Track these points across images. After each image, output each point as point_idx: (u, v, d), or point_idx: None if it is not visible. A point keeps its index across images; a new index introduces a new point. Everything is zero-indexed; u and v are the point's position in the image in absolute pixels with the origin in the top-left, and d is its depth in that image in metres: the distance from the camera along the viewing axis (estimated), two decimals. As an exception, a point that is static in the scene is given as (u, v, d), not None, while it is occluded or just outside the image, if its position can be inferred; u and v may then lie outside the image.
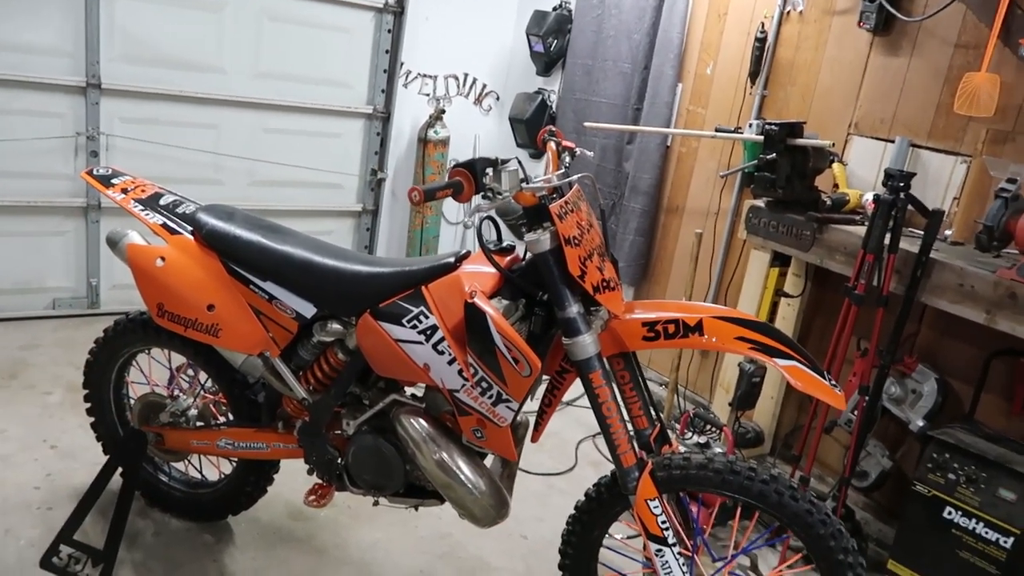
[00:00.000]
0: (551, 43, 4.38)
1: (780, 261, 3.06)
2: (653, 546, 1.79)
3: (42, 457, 2.74)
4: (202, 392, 2.45)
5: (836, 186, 2.98)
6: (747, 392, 3.13)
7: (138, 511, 2.49)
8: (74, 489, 2.57)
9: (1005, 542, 2.25)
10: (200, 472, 2.59)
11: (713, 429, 2.97)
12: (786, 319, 3.10)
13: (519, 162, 1.67)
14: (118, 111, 3.79)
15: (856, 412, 2.66)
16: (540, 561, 2.57)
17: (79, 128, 3.72)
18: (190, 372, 2.48)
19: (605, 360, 1.78)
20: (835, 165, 2.96)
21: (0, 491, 2.52)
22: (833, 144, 2.86)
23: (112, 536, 2.23)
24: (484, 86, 4.87)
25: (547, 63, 4.50)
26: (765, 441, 3.28)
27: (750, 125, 3.20)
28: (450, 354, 1.81)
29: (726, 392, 3.24)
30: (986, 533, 2.29)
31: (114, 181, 2.28)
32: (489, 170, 1.62)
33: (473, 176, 1.60)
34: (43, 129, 3.64)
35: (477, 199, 1.66)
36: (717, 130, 3.39)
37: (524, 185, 1.67)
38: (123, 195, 2.22)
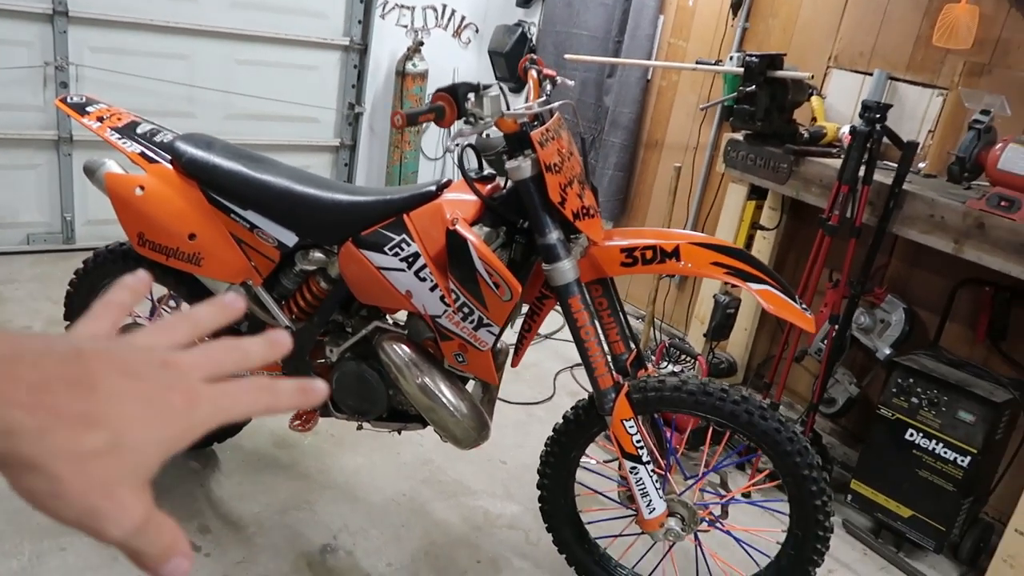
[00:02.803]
0: (531, -27, 4.29)
1: (757, 194, 3.10)
2: (628, 464, 1.87)
3: (25, 388, 2.75)
4: (185, 322, 2.47)
5: (814, 119, 3.00)
6: (721, 323, 3.20)
7: (124, 439, 2.53)
8: (59, 419, 2.60)
9: (962, 461, 2.37)
10: (185, 401, 2.62)
11: (688, 359, 3.05)
12: (761, 252, 3.15)
13: (501, 88, 1.68)
14: (87, 40, 3.69)
15: (826, 341, 2.74)
16: (519, 484, 2.66)
17: (47, 58, 3.62)
18: (172, 303, 2.49)
19: (584, 286, 1.82)
20: (814, 98, 2.98)
21: (-15, 421, 2.54)
22: (812, 76, 2.87)
23: (100, 462, 2.27)
24: (463, 18, 4.78)
25: (527, -6, 4.42)
26: (738, 371, 3.37)
27: (731, 58, 3.20)
28: (432, 281, 1.84)
29: (701, 324, 3.32)
30: (945, 453, 2.40)
31: (89, 109, 2.24)
32: (471, 95, 1.62)
33: (455, 101, 1.60)
34: (10, 58, 3.54)
35: (458, 125, 1.67)
36: (698, 63, 3.38)
37: (505, 112, 1.67)
38: (99, 123, 2.19)
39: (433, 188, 1.90)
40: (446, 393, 1.94)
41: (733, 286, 2.15)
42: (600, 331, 1.91)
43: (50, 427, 0.41)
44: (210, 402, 0.47)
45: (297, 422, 2.17)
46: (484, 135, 1.81)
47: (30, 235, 3.88)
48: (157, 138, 2.17)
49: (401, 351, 1.96)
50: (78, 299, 2.46)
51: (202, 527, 2.24)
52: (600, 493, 2.18)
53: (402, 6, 4.54)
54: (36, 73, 3.62)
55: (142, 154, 2.13)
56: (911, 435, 2.47)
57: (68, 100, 2.27)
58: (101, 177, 2.12)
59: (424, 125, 4.68)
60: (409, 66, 4.45)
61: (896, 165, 2.48)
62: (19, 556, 2.03)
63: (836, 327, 2.68)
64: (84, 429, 0.42)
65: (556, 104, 1.79)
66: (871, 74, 2.90)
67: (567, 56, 3.73)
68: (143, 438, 0.44)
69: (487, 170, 1.93)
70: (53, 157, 3.81)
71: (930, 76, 2.77)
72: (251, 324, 2.27)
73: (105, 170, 2.13)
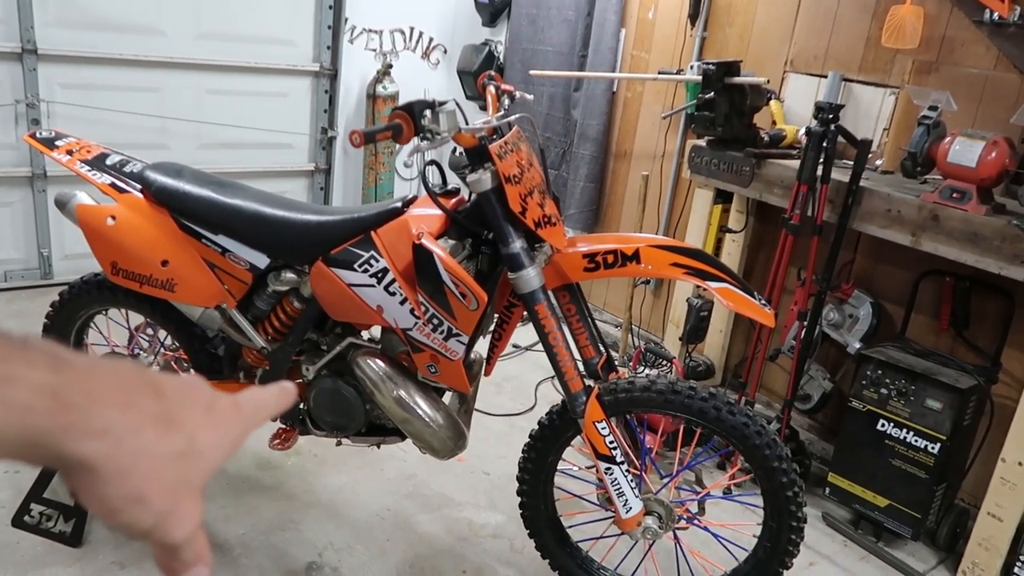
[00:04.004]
0: (495, -7, 4.38)
1: (723, 198, 3.17)
2: (602, 465, 1.90)
3: (6, 424, 2.76)
4: (162, 349, 2.49)
5: (774, 123, 3.08)
6: (695, 326, 3.26)
7: (107, 469, 2.54)
8: (41, 452, 2.61)
9: (933, 448, 2.42)
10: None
11: (664, 362, 3.09)
12: (731, 254, 3.21)
13: (457, 104, 1.73)
14: (57, 77, 3.73)
15: (797, 339, 2.80)
16: (502, 494, 2.68)
17: (18, 96, 3.65)
18: (149, 331, 2.52)
19: (550, 293, 1.87)
20: (772, 102, 3.06)
21: (-34, 458, 2.55)
22: (768, 81, 2.95)
23: (82, 492, 2.27)
24: (431, 39, 4.86)
25: (492, 13, 4.50)
26: (716, 373, 3.42)
27: (691, 67, 3.28)
28: (401, 294, 1.88)
29: (676, 327, 3.37)
30: (916, 441, 2.46)
31: (58, 143, 2.27)
32: (427, 112, 1.67)
33: (412, 118, 1.65)
34: (-20, 98, 3.57)
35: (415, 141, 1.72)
36: (660, 73, 3.46)
37: (463, 126, 1.72)
38: (68, 157, 2.22)
39: (399, 204, 1.94)
40: (421, 404, 1.97)
41: (705, 289, 2.20)
42: (569, 336, 1.96)
43: (142, 426, 0.43)
44: (249, 406, 0.51)
45: (276, 441, 2.19)
46: (457, 153, 1.86)
47: (7, 272, 3.88)
48: (127, 168, 2.20)
49: (376, 366, 1.99)
50: (54, 332, 2.48)
51: (187, 552, 2.25)
52: (579, 497, 2.21)
53: (370, 30, 4.60)
54: (7, 111, 3.65)
55: (112, 184, 2.16)
56: (882, 425, 2.52)
57: (37, 135, 2.30)
58: (72, 209, 2.15)
59: (398, 146, 4.74)
60: (380, 89, 4.51)
61: (853, 163, 2.55)
62: (3, 589, 2.04)
63: (805, 324, 2.74)
64: (166, 430, 0.44)
65: (514, 117, 1.84)
66: (826, 76, 2.99)
67: (532, 72, 3.80)
68: (208, 442, 0.46)
69: (451, 184, 1.98)
70: (28, 194, 3.83)
71: (882, 76, 2.85)
72: (227, 347, 2.30)
73: (76, 202, 2.16)
